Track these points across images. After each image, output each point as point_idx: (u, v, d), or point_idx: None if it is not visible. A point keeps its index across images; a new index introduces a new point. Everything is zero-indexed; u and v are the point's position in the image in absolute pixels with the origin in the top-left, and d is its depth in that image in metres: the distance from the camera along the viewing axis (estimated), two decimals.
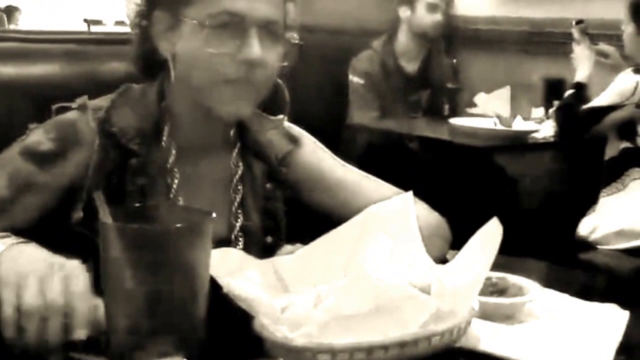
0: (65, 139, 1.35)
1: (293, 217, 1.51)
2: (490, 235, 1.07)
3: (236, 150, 1.49)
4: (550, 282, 1.31)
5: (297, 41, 1.40)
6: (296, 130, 1.56)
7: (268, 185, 1.48)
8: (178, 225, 0.89)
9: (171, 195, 1.39)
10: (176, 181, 1.40)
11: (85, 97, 1.40)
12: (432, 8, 4.11)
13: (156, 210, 0.97)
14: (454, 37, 4.85)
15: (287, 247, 1.27)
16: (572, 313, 1.21)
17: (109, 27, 3.85)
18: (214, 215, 0.91)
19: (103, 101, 1.41)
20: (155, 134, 1.40)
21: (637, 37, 3.22)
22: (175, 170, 1.41)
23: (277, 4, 1.37)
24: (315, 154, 1.54)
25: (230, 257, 1.10)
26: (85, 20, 3.97)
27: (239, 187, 1.47)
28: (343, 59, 4.14)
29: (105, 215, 0.90)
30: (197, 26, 1.32)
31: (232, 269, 1.07)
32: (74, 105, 1.39)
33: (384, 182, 1.54)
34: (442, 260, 1.26)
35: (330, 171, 1.53)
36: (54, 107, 1.40)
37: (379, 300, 0.94)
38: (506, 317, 1.17)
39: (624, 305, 1.23)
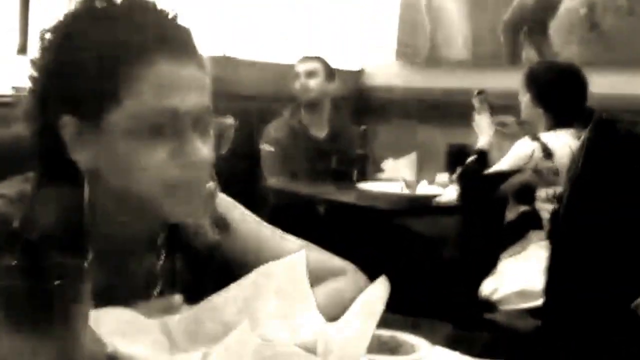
0: (4, 239, 1.10)
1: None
2: (376, 293, 1.04)
3: (161, 239, 1.27)
4: (448, 341, 1.29)
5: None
6: (225, 206, 1.36)
7: (188, 278, 1.30)
8: (56, 282, 0.83)
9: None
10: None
11: (12, 184, 1.18)
12: (294, 77, 4.23)
13: (32, 268, 0.91)
14: (362, 105, 4.92)
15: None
16: None
17: None
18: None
19: (17, 186, 1.18)
20: (74, 240, 1.15)
21: (532, 105, 3.29)
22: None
23: (207, 87, 1.17)
24: (245, 233, 1.35)
25: (118, 316, 1.05)
26: None
27: (158, 282, 1.27)
28: (256, 124, 4.15)
29: None
30: (122, 133, 1.10)
31: (119, 328, 1.02)
32: None
33: (315, 247, 1.40)
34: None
35: (267, 244, 1.35)
36: None
37: (260, 358, 0.90)
38: None
39: None
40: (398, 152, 4.09)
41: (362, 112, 4.86)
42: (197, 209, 1.19)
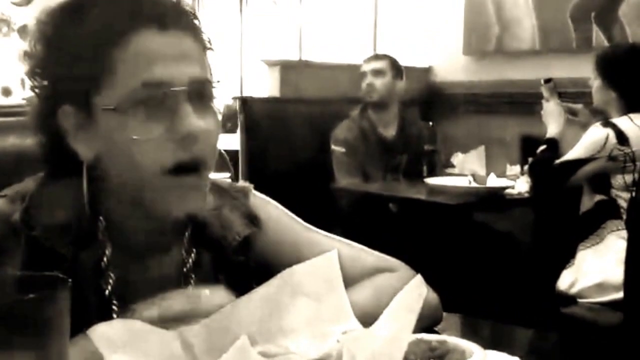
0: (2, 236, 1.05)
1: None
2: (411, 295, 0.87)
3: (187, 234, 1.15)
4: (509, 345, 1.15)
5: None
6: (259, 203, 1.25)
7: (220, 277, 1.16)
8: (29, 296, 0.69)
9: (105, 300, 1.08)
10: (110, 284, 1.08)
11: (16, 186, 1.10)
12: (361, 76, 4.01)
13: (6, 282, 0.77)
14: (432, 102, 4.74)
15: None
16: None
17: None
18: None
19: (20, 186, 1.11)
20: (86, 233, 1.08)
21: (604, 89, 3.06)
22: (110, 272, 1.09)
23: (199, 59, 1.07)
24: (280, 230, 1.23)
25: (125, 329, 0.90)
26: None
27: (191, 279, 1.14)
28: (327, 125, 4.00)
29: None
30: (115, 115, 1.01)
31: (124, 342, 0.88)
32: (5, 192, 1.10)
33: (358, 245, 1.26)
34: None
35: (299, 241, 1.23)
36: None
37: None
38: None
39: None
40: (469, 147, 3.90)
41: (431, 109, 4.67)
42: (199, 199, 1.07)
